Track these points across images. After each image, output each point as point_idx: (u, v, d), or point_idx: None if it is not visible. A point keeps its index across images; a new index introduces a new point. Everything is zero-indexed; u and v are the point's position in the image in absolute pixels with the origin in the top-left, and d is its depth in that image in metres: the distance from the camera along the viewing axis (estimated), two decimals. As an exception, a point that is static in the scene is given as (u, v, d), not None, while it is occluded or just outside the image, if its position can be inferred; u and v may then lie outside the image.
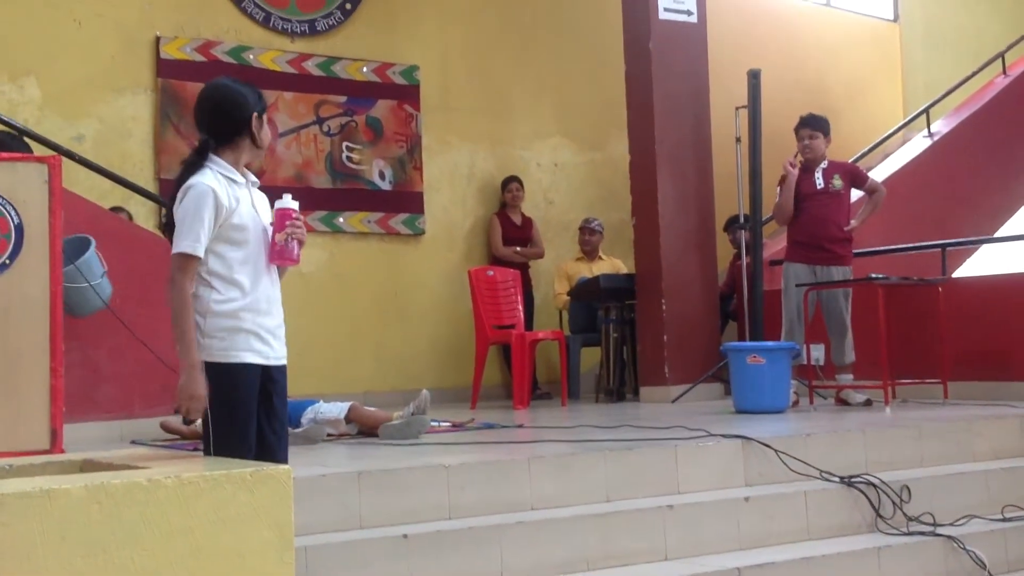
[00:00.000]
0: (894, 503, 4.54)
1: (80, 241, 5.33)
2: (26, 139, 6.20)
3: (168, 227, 3.24)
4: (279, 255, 3.24)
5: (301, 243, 3.27)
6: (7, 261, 4.34)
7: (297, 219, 3.25)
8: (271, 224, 3.27)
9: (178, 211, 3.14)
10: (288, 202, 3.28)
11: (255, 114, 3.26)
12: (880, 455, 4.91)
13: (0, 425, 4.32)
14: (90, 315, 5.44)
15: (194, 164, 3.18)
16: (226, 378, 3.10)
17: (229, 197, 3.17)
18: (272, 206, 3.31)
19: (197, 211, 3.10)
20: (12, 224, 4.34)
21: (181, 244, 3.10)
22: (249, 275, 3.19)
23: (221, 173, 3.20)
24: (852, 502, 4.51)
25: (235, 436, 3.11)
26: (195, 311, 3.13)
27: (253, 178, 3.32)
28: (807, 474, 4.61)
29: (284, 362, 3.32)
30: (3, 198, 4.35)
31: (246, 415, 3.15)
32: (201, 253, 3.11)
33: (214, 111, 3.26)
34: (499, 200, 8.83)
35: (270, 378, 3.24)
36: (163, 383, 5.80)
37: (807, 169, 6.74)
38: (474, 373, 7.60)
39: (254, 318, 3.19)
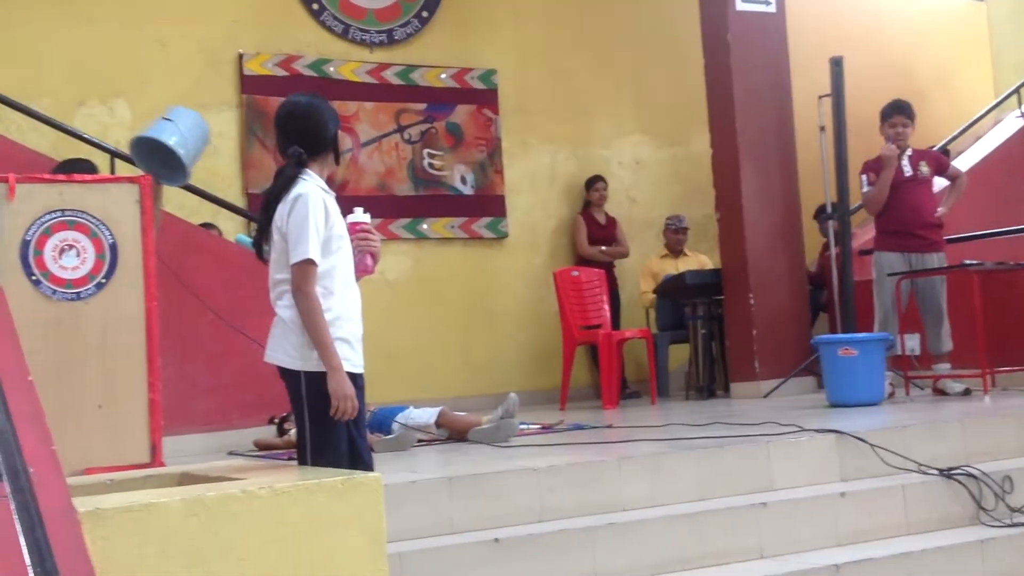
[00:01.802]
0: (996, 494, 4.42)
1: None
2: (118, 160, 6.37)
3: (259, 241, 3.33)
4: (358, 268, 3.33)
5: (374, 255, 3.34)
6: (103, 280, 4.46)
7: (370, 232, 3.32)
8: None
9: (291, 220, 3.21)
10: (360, 216, 3.38)
11: (338, 131, 3.42)
12: (980, 445, 4.79)
13: (101, 440, 4.44)
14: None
15: (293, 176, 3.27)
16: (325, 387, 3.17)
17: (331, 207, 3.28)
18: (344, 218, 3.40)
19: (314, 218, 3.20)
20: (107, 244, 4.46)
21: (303, 251, 3.18)
22: (342, 284, 3.28)
23: (318, 185, 3.29)
24: (952, 495, 4.41)
25: (332, 444, 3.18)
26: (296, 321, 3.20)
27: (330, 190, 3.40)
28: (904, 467, 4.51)
29: (363, 370, 3.37)
30: (97, 219, 4.47)
31: (341, 422, 3.21)
32: (319, 259, 3.20)
33: (304, 126, 3.36)
34: (583, 200, 8.81)
35: (356, 385, 3.29)
36: (258, 394, 5.93)
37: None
38: (562, 374, 7.60)
39: (346, 326, 3.28)
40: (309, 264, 3.18)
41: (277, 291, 3.31)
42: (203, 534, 2.49)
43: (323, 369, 3.19)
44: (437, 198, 8.35)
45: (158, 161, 5.06)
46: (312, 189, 3.25)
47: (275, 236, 3.28)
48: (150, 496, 2.58)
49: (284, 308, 3.27)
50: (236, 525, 2.53)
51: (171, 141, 5.00)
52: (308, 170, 3.33)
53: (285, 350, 3.26)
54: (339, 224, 3.30)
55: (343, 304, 3.27)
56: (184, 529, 2.47)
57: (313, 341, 3.18)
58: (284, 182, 3.28)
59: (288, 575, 2.59)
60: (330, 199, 3.30)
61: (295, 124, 3.37)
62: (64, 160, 5.58)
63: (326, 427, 3.17)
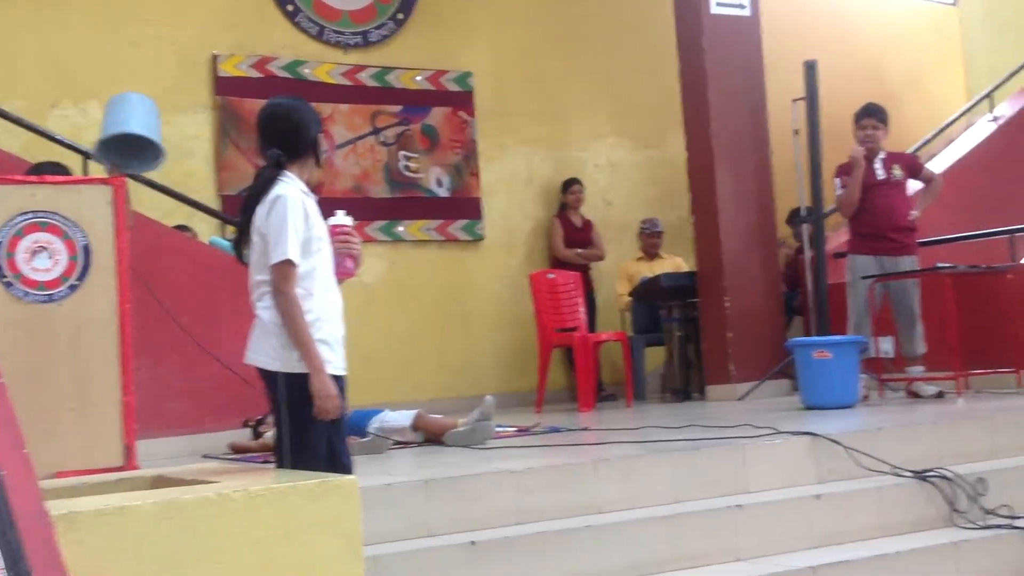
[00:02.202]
0: (970, 496, 4.45)
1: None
2: (92, 162, 6.32)
3: (238, 243, 3.31)
4: (339, 271, 3.33)
5: (355, 258, 3.34)
6: (76, 282, 4.42)
7: (350, 235, 3.32)
8: None
9: (271, 221, 3.21)
10: (341, 218, 3.38)
11: (319, 132, 3.40)
12: (954, 448, 4.82)
13: (75, 443, 4.40)
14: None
15: (272, 178, 3.26)
16: (305, 389, 3.16)
17: (311, 209, 3.28)
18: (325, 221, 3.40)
19: (294, 220, 3.20)
20: (80, 246, 4.42)
21: (283, 252, 3.18)
22: (322, 286, 3.27)
23: (298, 187, 3.29)
24: (926, 497, 4.43)
25: (310, 447, 3.17)
26: (276, 322, 3.19)
27: (311, 194, 3.39)
28: (879, 470, 4.54)
29: (345, 372, 3.35)
30: (70, 220, 4.43)
31: (320, 426, 3.20)
32: (299, 260, 3.19)
33: (285, 129, 3.36)
34: (558, 202, 8.82)
35: (339, 389, 3.28)
36: (233, 396, 5.89)
37: (867, 160, 6.64)
38: (538, 377, 7.60)
39: (326, 327, 3.27)
40: (288, 265, 3.18)
41: (257, 292, 3.29)
42: (177, 537, 2.47)
43: (303, 370, 3.18)
44: (413, 200, 8.33)
45: (129, 154, 5.04)
46: (291, 191, 3.25)
47: (254, 238, 3.27)
48: (124, 499, 2.55)
49: (264, 309, 3.26)
50: (210, 528, 2.51)
51: (134, 128, 4.97)
52: (288, 172, 3.32)
53: (265, 351, 3.24)
54: (319, 226, 3.29)
55: (323, 306, 3.26)
56: (158, 532, 2.45)
57: (294, 342, 3.17)
58: (263, 184, 3.27)
59: (263, 579, 2.57)
60: (310, 201, 3.30)
61: (275, 126, 3.37)
62: (37, 163, 5.54)
63: (305, 429, 3.15)
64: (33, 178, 4.45)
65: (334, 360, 3.27)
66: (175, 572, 2.45)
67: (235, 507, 2.57)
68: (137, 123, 5.04)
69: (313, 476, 2.80)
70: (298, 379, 3.19)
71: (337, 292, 3.35)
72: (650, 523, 3.97)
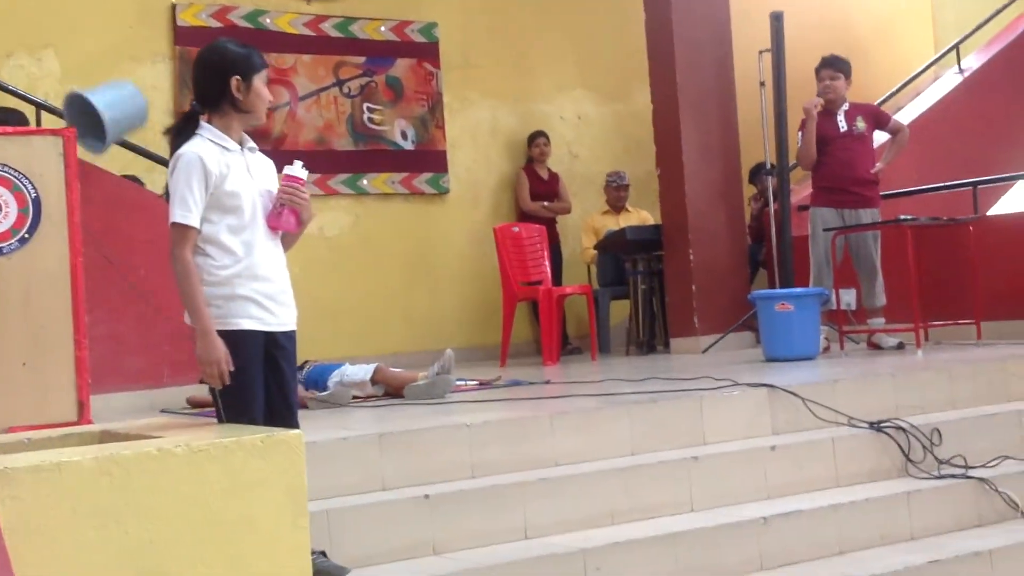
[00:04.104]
0: (924, 447, 4.48)
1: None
2: (45, 112, 6.22)
3: (167, 196, 3.25)
4: (273, 221, 3.25)
5: (297, 211, 3.23)
6: (26, 235, 4.35)
7: (294, 187, 3.22)
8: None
9: (170, 182, 3.15)
10: (296, 169, 3.27)
11: (236, 77, 3.20)
12: (910, 399, 4.85)
13: (28, 398, 4.35)
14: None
15: (181, 131, 3.19)
16: (228, 345, 3.10)
17: (219, 164, 3.16)
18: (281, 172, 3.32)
19: (187, 181, 3.12)
20: (30, 198, 4.35)
21: (174, 214, 3.13)
22: (243, 241, 3.19)
23: (212, 140, 3.20)
24: (881, 448, 4.46)
25: (242, 402, 3.13)
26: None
27: (251, 144, 3.30)
28: (835, 421, 4.57)
29: (291, 328, 3.30)
30: (19, 172, 4.35)
31: (250, 380, 3.16)
32: (194, 222, 3.12)
33: (199, 76, 3.27)
34: (525, 155, 8.76)
35: (276, 344, 3.24)
36: (190, 351, 5.84)
37: (829, 112, 6.61)
38: (502, 331, 7.59)
39: (250, 284, 3.18)
40: (176, 228, 3.12)
41: None
42: (116, 493, 2.45)
43: (223, 327, 3.12)
44: (377, 153, 8.25)
45: (86, 123, 4.94)
46: (192, 148, 3.14)
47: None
48: (62, 455, 2.53)
49: None
50: (151, 484, 2.50)
51: (101, 105, 4.87)
52: (208, 124, 3.22)
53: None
54: (233, 181, 3.16)
55: (246, 262, 3.17)
56: (96, 488, 2.43)
57: (183, 302, 3.12)
58: (171, 138, 3.22)
59: (206, 534, 2.56)
60: (220, 157, 3.15)
61: (195, 76, 3.29)
62: None
63: (233, 384, 3.11)
64: (-20, 129, 4.36)
65: (264, 316, 3.20)
66: (114, 528, 2.44)
67: (176, 462, 2.55)
68: (109, 101, 4.94)
69: (258, 431, 2.78)
70: (221, 335, 3.11)
71: (269, 247, 3.24)
72: (605, 475, 3.98)
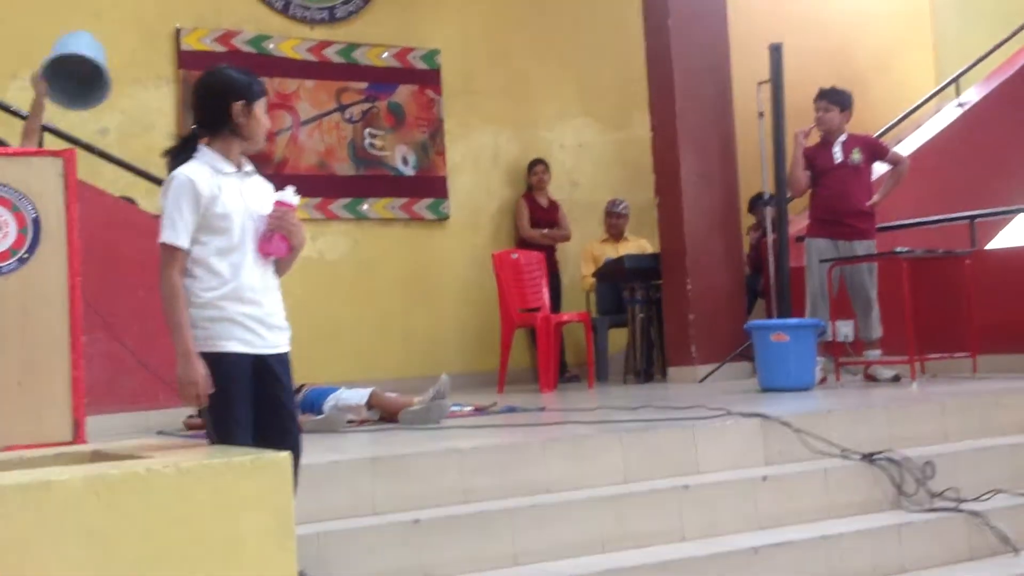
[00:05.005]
0: (917, 480, 4.48)
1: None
2: (47, 134, 6.26)
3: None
4: (263, 246, 3.27)
5: (287, 236, 3.25)
6: (26, 255, 4.37)
7: (284, 212, 3.24)
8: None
9: (163, 202, 3.18)
10: (284, 195, 3.29)
11: (240, 104, 3.24)
12: (903, 431, 4.85)
13: (24, 418, 4.36)
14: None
15: (179, 154, 3.23)
16: (213, 368, 3.13)
17: (211, 186, 3.19)
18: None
19: (176, 202, 3.15)
20: (29, 219, 4.37)
21: (163, 235, 3.17)
22: (231, 263, 3.21)
23: (207, 162, 3.23)
24: (873, 480, 4.46)
25: (230, 424, 3.14)
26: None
27: (249, 167, 3.33)
28: (828, 452, 4.56)
29: (282, 350, 3.31)
30: (20, 192, 4.39)
31: (232, 402, 3.17)
32: (182, 243, 3.15)
33: (200, 100, 3.31)
34: (524, 183, 8.80)
35: (267, 368, 3.24)
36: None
37: (825, 143, 6.66)
38: (500, 357, 7.60)
39: (236, 307, 3.20)
40: (164, 249, 3.16)
41: None
42: (104, 512, 2.45)
43: (210, 349, 3.14)
44: (378, 178, 8.30)
45: (73, 87, 5.02)
46: (185, 170, 3.18)
47: None
48: (50, 474, 2.53)
49: None
50: (139, 504, 2.50)
51: (82, 50, 4.94)
52: (206, 147, 3.26)
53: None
54: (224, 203, 3.18)
55: (233, 284, 3.19)
56: (84, 507, 2.43)
57: (167, 322, 3.15)
58: (168, 160, 3.26)
59: (193, 554, 2.56)
60: (209, 179, 3.17)
61: (196, 101, 3.33)
62: None
63: (220, 406, 3.13)
64: (-19, 149, 4.40)
65: (251, 339, 3.21)
66: (102, 548, 2.44)
67: (164, 482, 2.55)
68: (88, 48, 5.01)
69: (246, 452, 2.79)
70: (207, 358, 3.15)
71: (259, 271, 3.25)
72: (597, 502, 3.99)
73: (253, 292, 3.23)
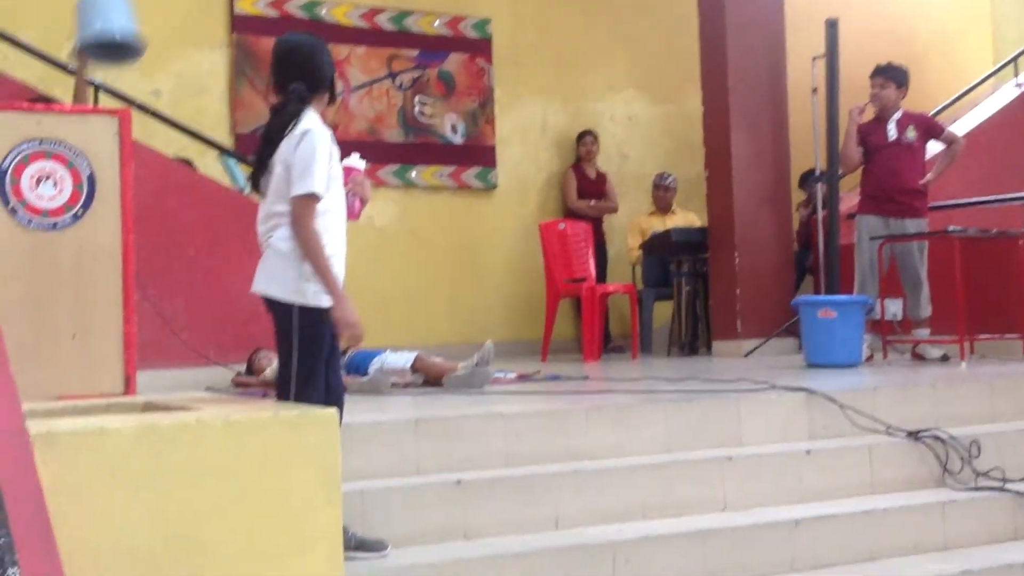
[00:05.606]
0: (962, 458, 4.44)
1: None
2: (102, 93, 6.34)
3: (256, 177, 3.33)
4: (347, 211, 3.40)
5: (363, 201, 3.38)
6: (80, 211, 4.44)
7: (362, 180, 3.36)
8: None
9: (298, 154, 3.22)
10: (355, 160, 3.42)
11: (335, 73, 3.46)
12: (950, 410, 4.80)
13: (75, 370, 4.44)
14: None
15: (299, 111, 3.28)
16: (317, 322, 3.22)
17: (333, 145, 3.31)
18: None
19: (315, 154, 3.22)
20: (84, 176, 4.44)
21: (306, 185, 3.20)
22: (335, 222, 3.31)
23: (321, 122, 3.33)
24: (918, 457, 4.43)
25: (316, 379, 3.23)
26: (295, 254, 3.22)
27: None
28: (873, 428, 4.53)
29: None
30: (76, 149, 4.45)
31: (322, 359, 3.28)
32: (325, 194, 3.22)
33: (305, 64, 3.37)
34: (573, 154, 8.78)
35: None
36: (235, 333, 5.94)
37: (880, 120, 6.57)
38: (545, 326, 7.61)
39: (337, 264, 3.29)
40: (312, 198, 3.21)
41: (270, 223, 3.30)
42: (154, 461, 2.50)
43: (316, 304, 3.22)
44: (427, 146, 8.31)
45: (108, 51, 5.11)
46: (319, 126, 3.28)
47: (277, 168, 3.27)
48: (104, 421, 2.59)
49: (281, 240, 3.26)
50: (188, 453, 2.55)
51: (111, 25, 5.02)
52: (310, 108, 3.33)
53: (281, 283, 3.25)
54: (337, 166, 3.33)
55: (334, 244, 3.29)
56: (135, 455, 2.49)
57: (317, 272, 3.20)
58: (287, 118, 3.29)
59: (239, 505, 2.61)
60: (332, 139, 3.33)
61: (295, 60, 3.39)
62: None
63: (313, 362, 3.21)
64: (39, 106, 4.47)
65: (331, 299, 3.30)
66: (151, 494, 2.49)
67: (214, 434, 2.60)
68: (118, 24, 5.10)
69: (294, 407, 2.84)
70: (311, 313, 3.23)
71: (344, 232, 3.38)
72: (638, 471, 4.00)
73: (343, 253, 3.34)
